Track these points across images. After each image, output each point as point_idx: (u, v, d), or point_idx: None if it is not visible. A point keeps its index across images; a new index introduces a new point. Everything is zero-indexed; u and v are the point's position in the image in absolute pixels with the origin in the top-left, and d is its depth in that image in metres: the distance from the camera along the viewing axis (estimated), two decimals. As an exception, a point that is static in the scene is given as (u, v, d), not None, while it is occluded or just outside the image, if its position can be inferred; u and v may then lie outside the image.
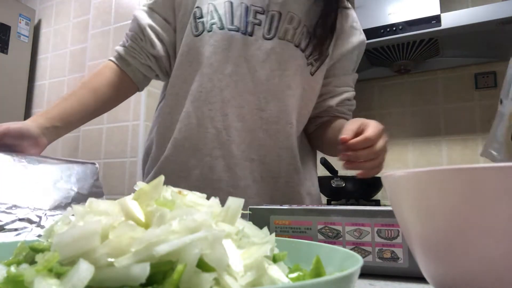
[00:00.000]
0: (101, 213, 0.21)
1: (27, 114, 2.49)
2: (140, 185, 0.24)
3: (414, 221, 0.23)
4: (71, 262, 0.17)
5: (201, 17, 0.78)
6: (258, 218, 0.41)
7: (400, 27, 1.60)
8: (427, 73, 1.86)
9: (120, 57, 0.83)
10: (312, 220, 0.39)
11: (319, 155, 2.30)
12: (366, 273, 0.37)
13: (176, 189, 0.24)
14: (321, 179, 1.88)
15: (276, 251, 0.24)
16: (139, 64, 0.83)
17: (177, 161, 0.77)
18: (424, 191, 0.22)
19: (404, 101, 1.96)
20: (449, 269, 0.22)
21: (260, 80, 0.77)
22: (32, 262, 0.20)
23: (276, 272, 0.21)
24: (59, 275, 0.17)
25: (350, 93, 0.89)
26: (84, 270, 0.16)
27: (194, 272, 0.17)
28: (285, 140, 0.79)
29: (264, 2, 0.79)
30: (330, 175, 1.73)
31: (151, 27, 0.81)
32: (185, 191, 0.25)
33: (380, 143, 0.65)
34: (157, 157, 0.82)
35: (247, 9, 0.78)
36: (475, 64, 1.76)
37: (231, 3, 0.78)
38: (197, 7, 0.79)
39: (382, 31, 1.64)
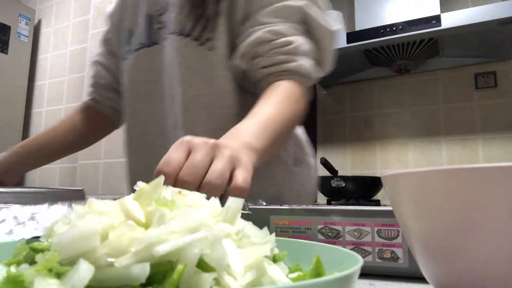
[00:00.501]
0: (101, 213, 0.21)
1: (27, 114, 2.49)
2: (140, 185, 0.24)
3: (414, 221, 0.23)
4: (71, 262, 0.17)
5: (121, 46, 0.81)
6: (258, 218, 0.41)
7: (400, 27, 1.60)
8: (427, 73, 1.86)
9: (89, 98, 0.90)
10: (312, 220, 0.39)
11: (319, 155, 2.30)
12: (366, 273, 0.37)
13: (176, 189, 0.24)
14: (321, 179, 1.88)
15: (276, 251, 0.24)
16: (104, 99, 0.87)
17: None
18: (424, 191, 0.22)
19: (404, 101, 1.96)
20: (449, 269, 0.22)
21: (172, 87, 0.71)
22: (32, 262, 0.20)
23: (276, 272, 0.21)
24: (59, 275, 0.17)
25: (259, 32, 0.62)
26: (84, 270, 0.16)
27: (194, 272, 0.17)
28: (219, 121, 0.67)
29: (162, 3, 0.73)
30: (330, 175, 1.73)
31: (98, 62, 0.88)
32: (185, 191, 0.25)
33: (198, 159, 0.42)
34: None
35: (150, 18, 0.74)
36: (475, 64, 1.76)
37: (140, 23, 0.77)
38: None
39: (382, 31, 1.64)
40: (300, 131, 0.83)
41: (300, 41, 0.63)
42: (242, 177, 0.42)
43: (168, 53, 0.70)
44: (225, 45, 0.67)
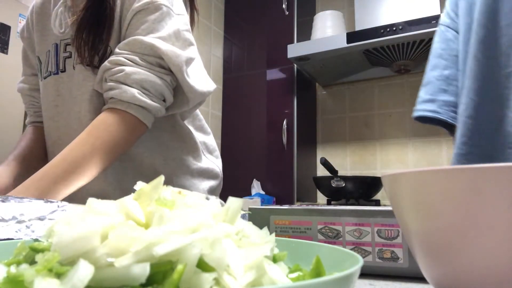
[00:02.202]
0: (101, 213, 0.21)
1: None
2: (140, 185, 0.24)
3: (414, 221, 0.23)
4: (71, 262, 0.17)
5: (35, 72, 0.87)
6: (258, 218, 0.41)
7: (400, 27, 1.60)
8: (427, 73, 1.86)
9: (32, 123, 0.92)
10: (312, 220, 0.39)
11: (319, 155, 2.30)
12: (366, 273, 0.37)
13: (176, 189, 0.24)
14: (321, 179, 1.88)
15: (276, 251, 0.24)
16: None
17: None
18: (424, 191, 0.22)
19: (404, 101, 1.96)
20: (449, 269, 0.22)
21: (71, 113, 0.76)
22: (32, 262, 0.20)
23: (276, 272, 0.21)
24: (59, 275, 0.17)
25: (105, 62, 0.69)
26: (84, 270, 0.16)
27: (194, 272, 0.17)
28: None
29: (69, 32, 0.76)
30: (330, 175, 1.73)
31: (27, 89, 0.90)
32: (185, 191, 0.25)
33: None
34: None
35: (57, 47, 0.79)
36: (475, 64, 1.75)
37: (49, 51, 0.81)
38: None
39: (382, 31, 1.65)
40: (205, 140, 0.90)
41: (131, 71, 0.66)
42: None
43: (77, 82, 0.75)
44: None
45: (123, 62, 0.67)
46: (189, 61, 0.72)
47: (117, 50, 0.69)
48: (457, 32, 0.76)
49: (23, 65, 0.93)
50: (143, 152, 0.78)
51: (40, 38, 0.84)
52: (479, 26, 0.67)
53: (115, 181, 0.77)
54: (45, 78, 0.81)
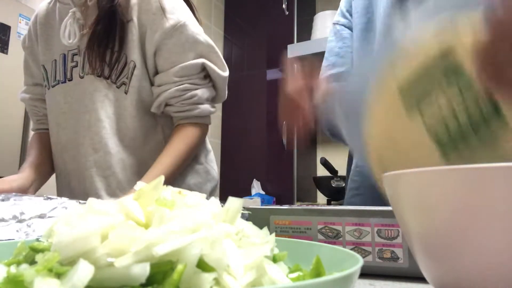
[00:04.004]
0: (101, 213, 0.21)
1: (27, 114, 2.49)
2: (140, 185, 0.24)
3: (414, 221, 0.23)
4: (71, 262, 0.17)
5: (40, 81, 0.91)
6: (258, 218, 0.41)
7: (400, 27, 1.60)
8: (427, 73, 1.86)
9: (37, 130, 0.97)
10: (312, 220, 0.39)
11: (319, 155, 2.30)
12: (366, 273, 0.37)
13: (176, 189, 0.24)
14: (321, 179, 1.88)
15: (276, 251, 0.24)
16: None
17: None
18: (424, 191, 0.22)
19: (404, 101, 1.96)
20: (449, 269, 0.22)
21: (79, 121, 0.83)
22: (32, 262, 0.20)
23: (276, 272, 0.21)
24: (59, 275, 0.17)
25: (171, 90, 0.81)
26: (84, 270, 0.16)
27: (194, 272, 0.17)
28: (107, 169, 0.82)
29: (77, 43, 0.83)
30: (330, 175, 1.73)
31: (29, 99, 0.95)
32: (185, 191, 0.25)
33: None
34: None
35: (64, 57, 0.85)
36: (475, 64, 1.75)
37: (55, 60, 0.86)
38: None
39: (382, 31, 1.64)
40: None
41: (201, 93, 0.84)
42: None
43: (87, 91, 0.82)
44: (137, 91, 0.83)
45: (190, 88, 0.82)
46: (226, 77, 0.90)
47: (175, 78, 0.81)
48: (351, 30, 0.79)
49: (25, 75, 0.97)
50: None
51: (45, 48, 0.89)
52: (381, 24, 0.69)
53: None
54: (53, 86, 0.86)
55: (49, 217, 0.42)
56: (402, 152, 0.45)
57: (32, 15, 2.77)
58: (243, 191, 2.14)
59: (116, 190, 0.81)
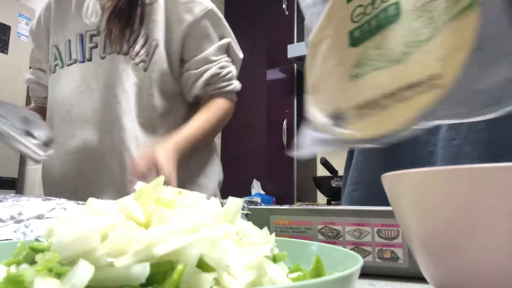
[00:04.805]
0: (101, 213, 0.21)
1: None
2: (140, 185, 0.24)
3: (414, 221, 0.23)
4: (71, 262, 0.17)
5: (48, 61, 0.92)
6: (258, 218, 0.41)
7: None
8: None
9: (36, 104, 1.04)
10: (312, 220, 0.39)
11: (319, 155, 2.30)
12: (366, 273, 0.37)
13: (176, 189, 0.24)
14: (321, 179, 1.88)
15: (276, 251, 0.24)
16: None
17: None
18: (424, 191, 0.22)
19: (404, 101, 1.96)
20: (449, 269, 0.22)
21: (97, 98, 0.84)
22: (32, 262, 0.20)
23: (276, 272, 0.21)
24: (59, 275, 0.17)
25: (213, 69, 0.87)
26: (84, 270, 0.16)
27: (194, 272, 0.17)
28: (121, 145, 0.83)
29: (96, 23, 0.85)
30: (330, 175, 1.73)
31: (32, 81, 1.00)
32: (185, 191, 0.25)
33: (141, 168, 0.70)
34: None
35: (81, 37, 0.87)
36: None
37: (70, 40, 0.88)
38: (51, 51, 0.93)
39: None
40: None
41: (233, 69, 0.91)
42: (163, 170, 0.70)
43: (109, 70, 0.84)
44: (159, 70, 0.85)
45: (226, 65, 0.89)
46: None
47: (213, 58, 0.87)
48: None
49: (31, 59, 1.00)
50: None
51: (58, 29, 0.91)
52: None
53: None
54: (68, 65, 0.88)
55: (47, 217, 0.42)
56: (330, 40, 0.50)
57: (32, 15, 2.78)
58: (243, 191, 2.14)
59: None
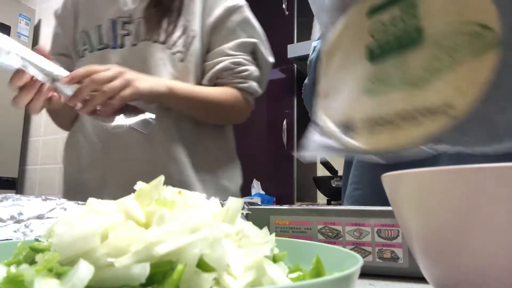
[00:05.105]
0: (101, 213, 0.21)
1: (27, 114, 2.49)
2: (140, 185, 0.24)
3: (414, 221, 0.23)
4: (71, 262, 0.17)
5: (76, 46, 0.91)
6: (258, 218, 0.41)
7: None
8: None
9: None
10: (312, 220, 0.39)
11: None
12: (366, 273, 0.37)
13: (176, 189, 0.24)
14: (321, 179, 1.88)
15: (276, 251, 0.24)
16: None
17: (72, 178, 0.90)
18: (424, 191, 0.22)
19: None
20: (449, 269, 0.22)
21: None
22: (32, 262, 0.20)
23: (276, 272, 0.21)
24: (59, 275, 0.17)
25: (225, 62, 0.84)
26: (84, 270, 0.16)
27: (194, 272, 0.17)
28: (160, 133, 0.81)
29: (130, 11, 0.84)
30: (330, 175, 1.73)
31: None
32: (185, 191, 0.25)
33: (107, 73, 0.66)
34: None
35: (114, 23, 0.86)
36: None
37: (100, 25, 0.86)
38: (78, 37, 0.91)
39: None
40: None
41: (252, 69, 0.87)
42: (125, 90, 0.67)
43: (141, 57, 0.82)
44: (194, 62, 0.84)
45: (243, 63, 0.85)
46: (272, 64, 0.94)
47: (230, 51, 0.84)
48: None
49: (52, 45, 0.97)
50: (213, 147, 0.89)
51: (87, 14, 0.89)
52: None
53: (195, 173, 0.84)
54: (99, 49, 0.86)
55: (47, 217, 0.42)
56: (345, 50, 0.52)
57: (32, 15, 2.78)
58: (243, 191, 2.14)
59: (155, 145, 0.81)
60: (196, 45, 0.84)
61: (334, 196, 1.75)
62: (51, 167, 2.33)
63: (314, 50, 0.80)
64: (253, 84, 0.87)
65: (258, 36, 0.89)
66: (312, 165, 2.21)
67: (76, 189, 0.87)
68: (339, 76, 0.52)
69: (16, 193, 2.33)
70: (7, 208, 0.41)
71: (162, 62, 0.82)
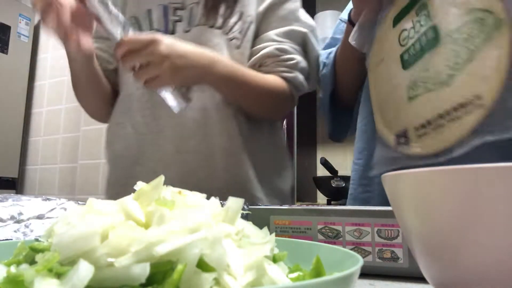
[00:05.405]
0: (101, 213, 0.21)
1: (27, 114, 2.49)
2: (140, 185, 0.24)
3: (414, 221, 0.23)
4: (71, 262, 0.17)
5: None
6: (258, 218, 0.41)
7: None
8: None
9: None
10: (312, 220, 0.39)
11: (319, 155, 2.31)
12: (366, 273, 0.37)
13: (176, 189, 0.24)
14: (321, 179, 1.88)
15: (276, 251, 0.24)
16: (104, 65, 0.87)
17: (121, 172, 0.82)
18: (424, 191, 0.22)
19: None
20: (449, 269, 0.22)
21: None
22: (32, 262, 0.20)
23: (276, 272, 0.21)
24: (59, 275, 0.17)
25: (270, 48, 0.77)
26: (84, 270, 0.16)
27: (194, 272, 0.17)
28: (217, 125, 0.76)
29: None
30: (330, 175, 1.73)
31: (99, 49, 0.87)
32: (185, 191, 0.25)
33: (162, 48, 0.62)
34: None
35: (165, 8, 0.82)
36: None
37: (150, 10, 0.83)
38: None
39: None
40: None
41: (299, 59, 0.79)
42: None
43: (194, 41, 0.75)
44: (248, 48, 0.79)
45: (290, 51, 0.78)
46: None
47: (277, 37, 0.78)
48: None
49: (97, 30, 0.90)
50: (269, 144, 0.84)
51: (135, 1, 0.85)
52: None
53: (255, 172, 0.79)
54: None
55: (47, 217, 0.42)
56: (386, 64, 0.54)
57: (32, 15, 2.77)
58: (243, 191, 2.14)
59: (212, 137, 0.76)
60: (252, 32, 0.79)
61: (334, 196, 1.75)
62: (51, 167, 2.33)
63: (324, 65, 0.80)
64: (299, 76, 0.79)
65: (310, 28, 0.82)
66: (312, 165, 2.21)
67: (124, 183, 0.80)
68: (386, 89, 0.54)
69: (16, 193, 2.33)
70: (7, 208, 0.41)
71: (219, 48, 0.77)
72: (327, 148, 2.20)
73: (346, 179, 1.67)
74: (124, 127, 0.81)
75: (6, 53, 2.37)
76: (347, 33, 0.68)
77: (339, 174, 1.72)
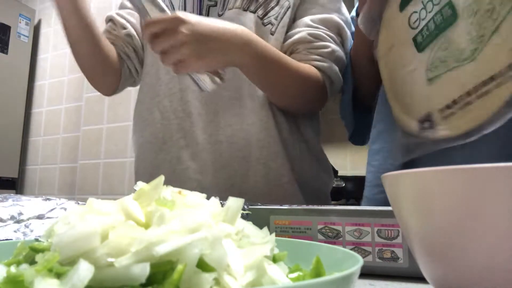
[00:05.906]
0: (101, 213, 0.21)
1: (27, 114, 2.49)
2: (140, 185, 0.24)
3: (414, 221, 0.23)
4: (71, 262, 0.17)
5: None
6: (258, 218, 0.41)
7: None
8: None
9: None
10: (312, 220, 0.39)
11: (319, 155, 2.28)
12: (366, 273, 0.37)
13: (176, 189, 0.24)
14: (321, 179, 1.87)
15: (276, 251, 0.24)
16: (119, 47, 0.84)
17: (147, 160, 0.78)
18: (424, 191, 0.22)
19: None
20: (449, 269, 0.22)
21: None
22: (32, 262, 0.20)
23: (276, 272, 0.21)
24: (59, 275, 0.17)
25: (302, 33, 0.72)
26: (84, 270, 0.16)
27: (194, 272, 0.17)
28: (252, 115, 0.72)
29: None
30: (330, 175, 1.72)
31: (118, 14, 0.85)
32: (185, 191, 0.25)
33: (183, 29, 0.56)
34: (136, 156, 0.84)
35: None
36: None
37: None
38: None
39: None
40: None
41: (335, 48, 0.72)
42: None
43: None
44: (283, 34, 0.74)
45: (325, 38, 0.72)
46: None
47: (311, 23, 0.73)
48: None
49: (122, 5, 0.89)
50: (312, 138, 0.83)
51: None
52: None
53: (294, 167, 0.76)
54: None
55: (47, 217, 0.42)
56: (397, 50, 0.53)
57: (32, 15, 2.78)
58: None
59: (247, 126, 0.72)
60: (288, 17, 0.75)
61: (334, 196, 1.75)
62: (51, 167, 2.33)
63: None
64: (334, 67, 0.71)
65: (348, 23, 0.77)
66: (312, 165, 2.21)
67: (149, 170, 0.78)
68: (401, 74, 0.52)
69: (16, 193, 2.33)
70: (7, 208, 0.41)
71: (253, 32, 0.71)
72: (327, 148, 2.19)
73: (346, 179, 1.67)
74: (153, 112, 0.78)
75: (6, 53, 2.37)
76: (358, 31, 0.67)
77: (339, 174, 1.72)
